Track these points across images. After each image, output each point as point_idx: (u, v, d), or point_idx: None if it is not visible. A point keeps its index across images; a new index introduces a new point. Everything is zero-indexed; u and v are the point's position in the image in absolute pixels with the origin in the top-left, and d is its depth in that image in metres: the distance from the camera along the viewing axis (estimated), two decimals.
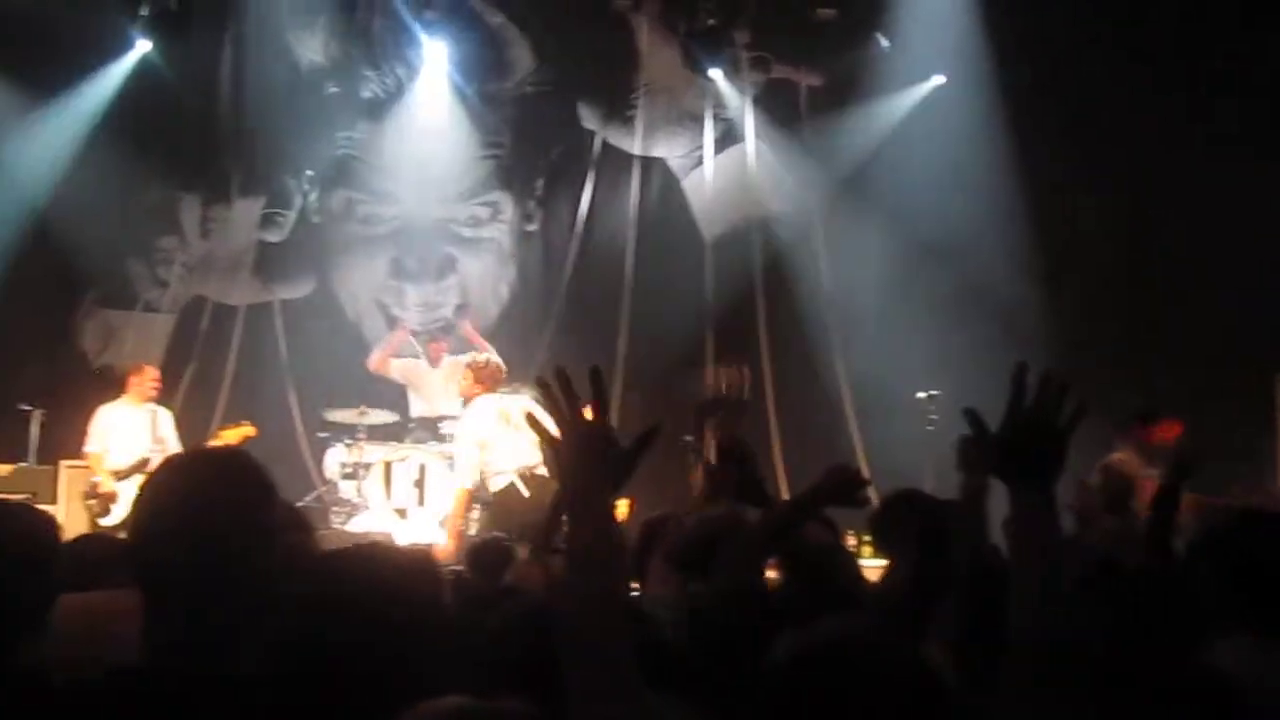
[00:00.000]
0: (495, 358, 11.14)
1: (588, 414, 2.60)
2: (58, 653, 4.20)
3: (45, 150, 13.46)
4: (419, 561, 4.23)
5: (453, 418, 12.53)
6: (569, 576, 2.51)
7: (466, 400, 10.64)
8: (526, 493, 9.97)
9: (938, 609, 3.93)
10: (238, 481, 2.32)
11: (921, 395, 11.49)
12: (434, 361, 13.19)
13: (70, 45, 13.47)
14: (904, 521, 4.60)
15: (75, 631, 4.10)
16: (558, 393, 2.60)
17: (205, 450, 2.49)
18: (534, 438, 2.60)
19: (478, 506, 10.72)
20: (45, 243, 13.46)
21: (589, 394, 2.63)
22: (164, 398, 12.53)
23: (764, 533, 4.08)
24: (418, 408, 13.05)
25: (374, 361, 13.25)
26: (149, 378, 11.75)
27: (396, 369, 13.24)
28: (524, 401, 10.19)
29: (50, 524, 4.03)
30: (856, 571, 4.87)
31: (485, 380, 10.49)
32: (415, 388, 13.16)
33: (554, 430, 2.60)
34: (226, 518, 2.26)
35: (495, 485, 10.20)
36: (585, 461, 2.57)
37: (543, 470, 9.89)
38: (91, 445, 11.31)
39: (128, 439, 11.14)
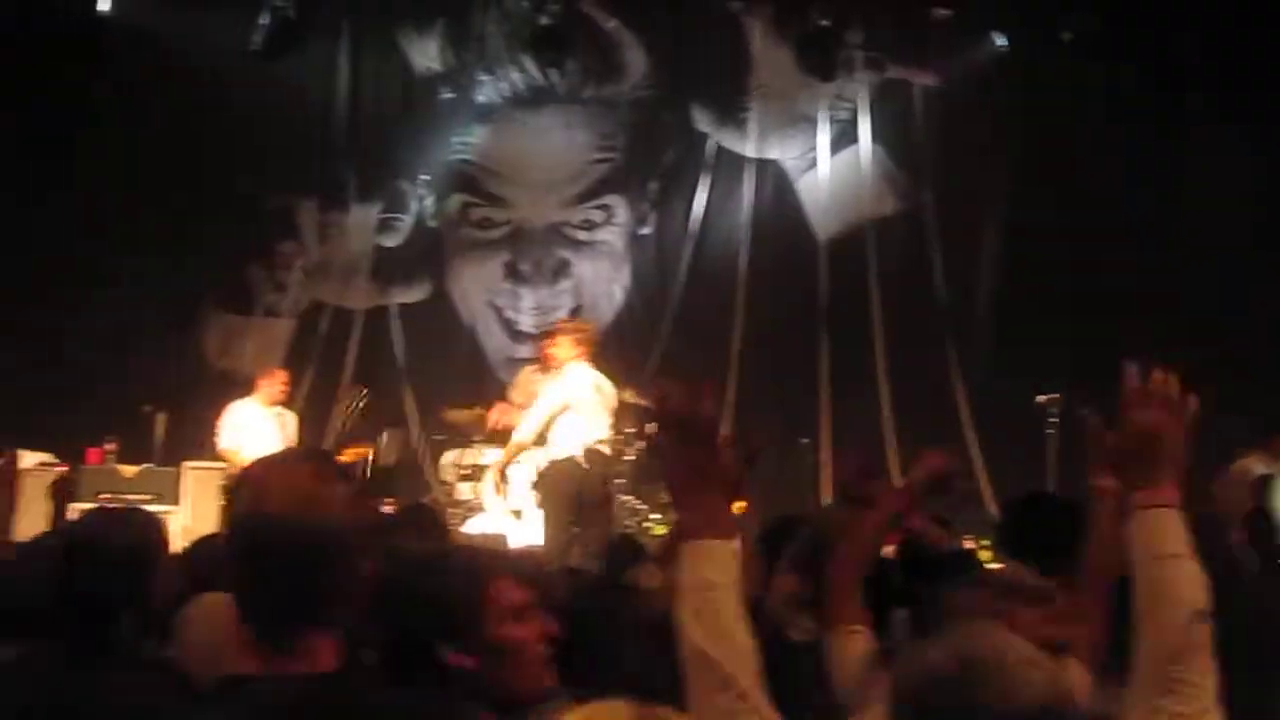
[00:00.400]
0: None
1: (704, 425, 2.60)
2: (182, 653, 4.28)
3: (169, 155, 13.72)
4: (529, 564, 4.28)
5: None
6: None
7: (560, 365, 10.11)
8: (586, 465, 9.80)
9: None
10: (328, 480, 2.31)
11: (1041, 398, 11.31)
12: (546, 364, 13.19)
13: (195, 57, 13.74)
14: (1034, 526, 4.55)
15: (199, 631, 4.17)
16: (675, 405, 2.61)
17: (293, 450, 2.48)
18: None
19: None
20: (168, 248, 13.74)
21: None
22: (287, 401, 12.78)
23: (870, 533, 4.06)
24: None
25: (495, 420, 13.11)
26: (279, 381, 11.98)
27: (518, 396, 13.22)
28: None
29: (157, 526, 4.10)
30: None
31: (585, 344, 10.05)
32: (530, 398, 13.14)
33: (668, 439, 2.61)
34: (316, 516, 2.25)
35: (556, 454, 9.87)
36: (699, 474, 2.58)
37: (604, 447, 9.81)
38: (225, 441, 11.51)
39: (259, 437, 11.28)
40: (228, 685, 2.26)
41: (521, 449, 10.23)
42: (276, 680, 2.21)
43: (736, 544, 2.58)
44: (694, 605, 2.49)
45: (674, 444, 2.61)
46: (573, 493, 9.51)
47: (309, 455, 2.39)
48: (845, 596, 3.89)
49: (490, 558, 2.92)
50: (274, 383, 11.96)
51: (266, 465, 2.33)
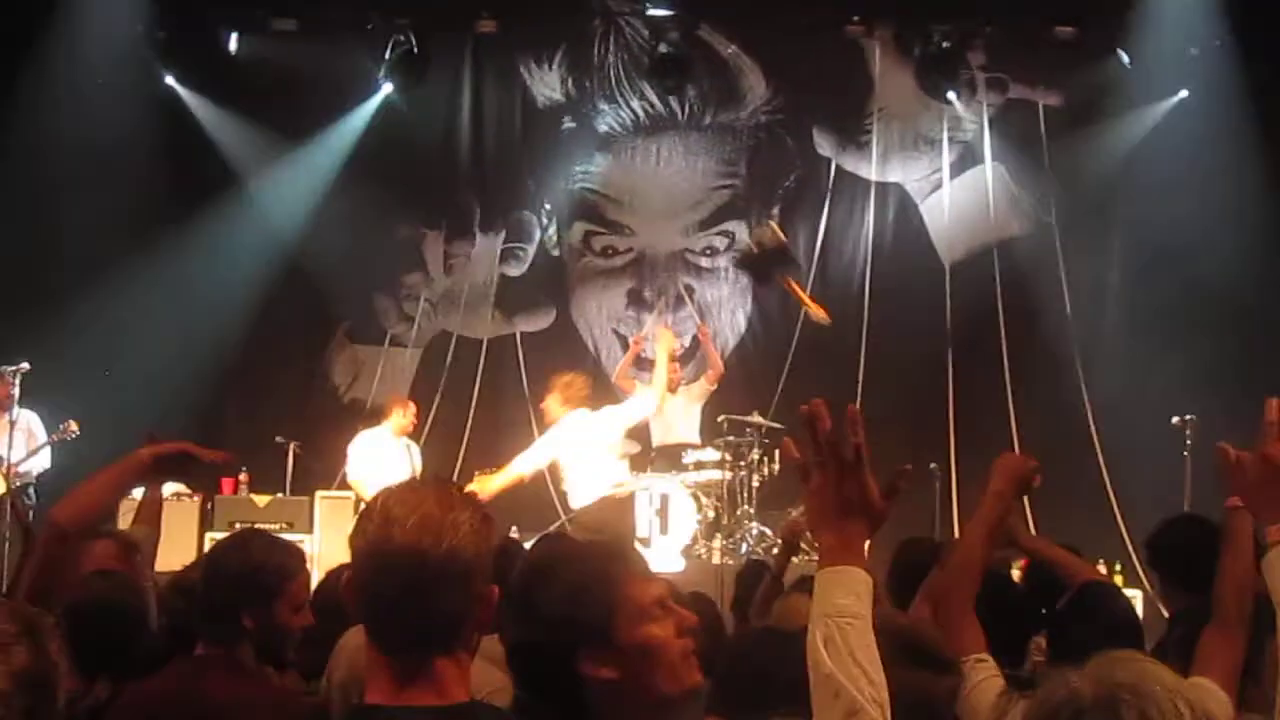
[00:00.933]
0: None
1: (843, 452, 2.60)
2: (333, 682, 4.34)
3: (297, 191, 14.00)
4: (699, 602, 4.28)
5: (694, 445, 12.63)
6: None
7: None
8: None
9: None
10: (452, 507, 2.32)
11: (1176, 420, 11.09)
12: (671, 387, 13.26)
13: (320, 89, 13.98)
14: (1184, 549, 4.51)
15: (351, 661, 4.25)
16: (816, 432, 2.61)
17: (418, 478, 2.46)
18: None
19: None
20: (297, 280, 13.99)
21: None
22: (412, 433, 12.94)
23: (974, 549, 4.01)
24: (658, 435, 13.14)
25: (617, 374, 13.38)
26: (409, 411, 12.14)
27: (639, 399, 13.33)
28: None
29: (297, 554, 4.18)
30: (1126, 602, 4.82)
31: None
32: (656, 417, 13.24)
33: (810, 467, 2.62)
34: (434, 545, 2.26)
35: (575, 501, 10.28)
36: (845, 501, 2.58)
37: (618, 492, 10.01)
38: (353, 472, 11.66)
39: (387, 467, 11.41)
40: (357, 715, 2.29)
41: (518, 481, 10.31)
42: (404, 713, 2.23)
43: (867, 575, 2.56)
44: (825, 632, 2.48)
45: (822, 468, 2.60)
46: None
47: (433, 482, 2.38)
48: (960, 621, 3.79)
49: (619, 558, 2.89)
50: (405, 412, 12.13)
51: (391, 494, 2.34)
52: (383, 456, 11.69)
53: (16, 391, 11.22)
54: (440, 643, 2.26)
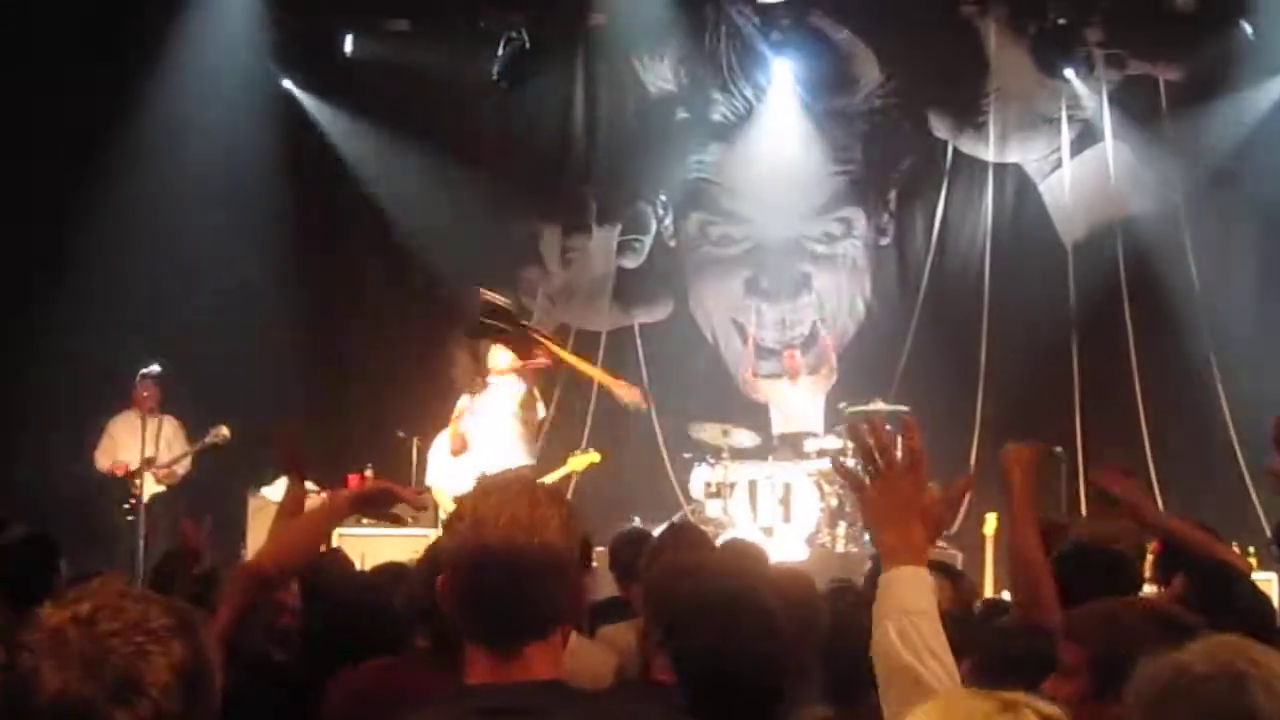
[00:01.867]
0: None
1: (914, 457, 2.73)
2: None
3: (414, 187, 14.14)
4: (799, 580, 4.29)
5: (813, 434, 12.60)
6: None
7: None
8: None
9: None
10: (541, 504, 2.37)
11: None
12: (792, 375, 13.25)
13: (435, 88, 14.12)
14: None
15: None
16: (871, 441, 2.75)
17: (507, 477, 2.56)
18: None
19: None
20: (416, 276, 14.14)
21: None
22: None
23: None
24: (779, 424, 13.14)
25: (744, 380, 13.41)
26: None
27: (762, 389, 13.37)
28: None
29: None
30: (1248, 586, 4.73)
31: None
32: (777, 405, 13.24)
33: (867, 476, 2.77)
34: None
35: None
36: (903, 505, 2.71)
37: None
38: (433, 477, 11.76)
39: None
40: (455, 693, 2.38)
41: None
42: (497, 687, 2.32)
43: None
44: (898, 628, 2.61)
45: (875, 475, 2.75)
46: None
47: (520, 482, 2.46)
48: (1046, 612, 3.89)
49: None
50: None
51: (481, 495, 2.40)
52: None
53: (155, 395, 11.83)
54: (536, 631, 2.35)
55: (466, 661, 2.37)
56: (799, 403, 13.10)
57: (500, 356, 10.50)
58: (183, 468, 12.09)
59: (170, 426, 12.20)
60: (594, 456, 11.93)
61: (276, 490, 11.08)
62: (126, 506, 11.42)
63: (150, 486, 11.70)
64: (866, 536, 11.84)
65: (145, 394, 11.91)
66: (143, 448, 11.42)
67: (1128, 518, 5.03)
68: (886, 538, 2.73)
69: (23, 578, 4.62)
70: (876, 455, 2.75)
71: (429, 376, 14.47)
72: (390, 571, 4.89)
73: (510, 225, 14.78)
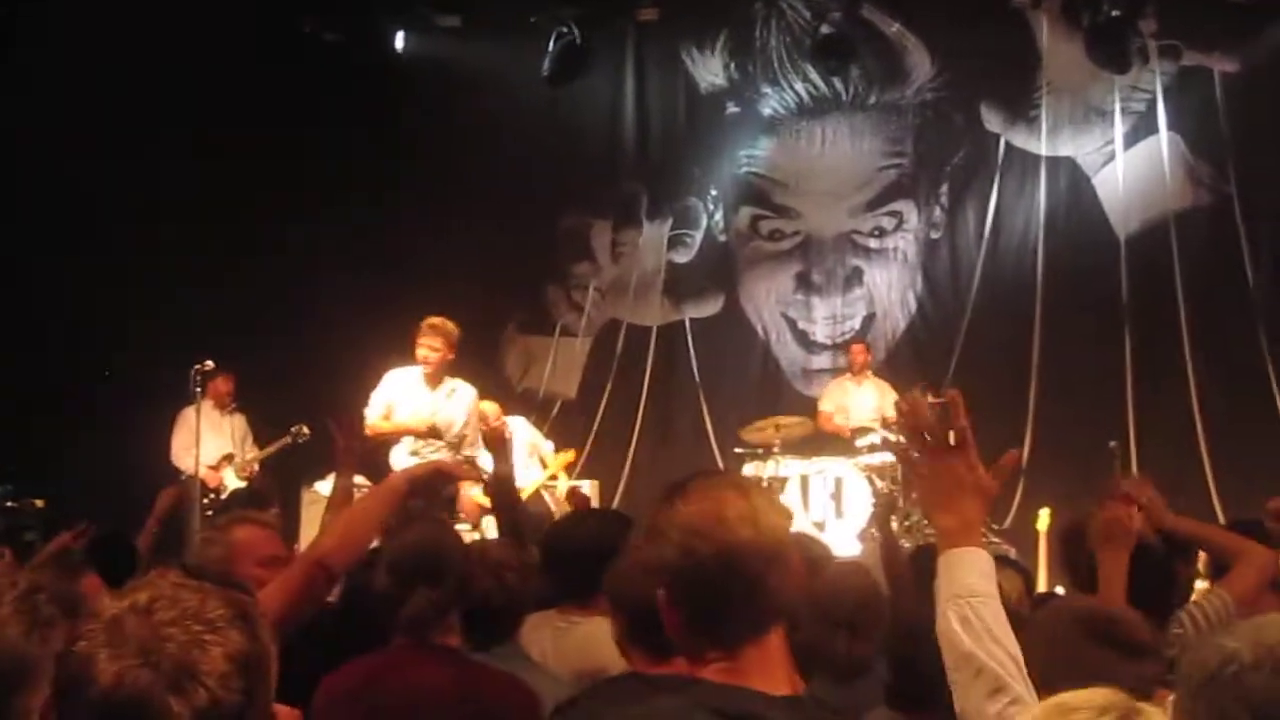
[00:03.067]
0: None
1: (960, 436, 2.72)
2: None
3: (465, 182, 14.23)
4: (864, 576, 4.32)
5: (869, 429, 12.58)
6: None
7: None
8: None
9: None
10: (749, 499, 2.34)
11: None
12: (856, 370, 13.19)
13: (486, 84, 14.19)
14: None
15: None
16: (925, 418, 2.75)
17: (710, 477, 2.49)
18: None
19: None
20: (467, 273, 14.20)
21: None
22: (584, 420, 13.15)
23: None
24: (840, 423, 13.11)
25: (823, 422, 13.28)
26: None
27: (828, 405, 13.30)
28: None
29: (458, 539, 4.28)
30: None
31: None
32: (841, 410, 13.18)
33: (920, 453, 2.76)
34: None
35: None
36: (958, 485, 2.69)
37: None
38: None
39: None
40: (678, 682, 2.35)
41: None
42: (724, 688, 2.26)
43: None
44: (959, 613, 2.58)
45: (930, 455, 2.73)
46: None
47: (730, 478, 2.43)
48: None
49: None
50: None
51: (687, 495, 2.36)
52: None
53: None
54: (759, 629, 2.29)
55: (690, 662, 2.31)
56: (863, 401, 13.05)
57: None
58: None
59: (242, 422, 12.22)
60: (568, 455, 12.15)
61: (328, 485, 11.14)
62: (206, 501, 11.08)
63: (231, 482, 11.63)
64: (920, 530, 11.85)
65: (224, 388, 11.90)
66: (194, 446, 10.99)
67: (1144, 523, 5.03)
68: (942, 519, 2.70)
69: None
70: (924, 434, 2.73)
71: (481, 373, 14.56)
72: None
73: (561, 220, 14.82)
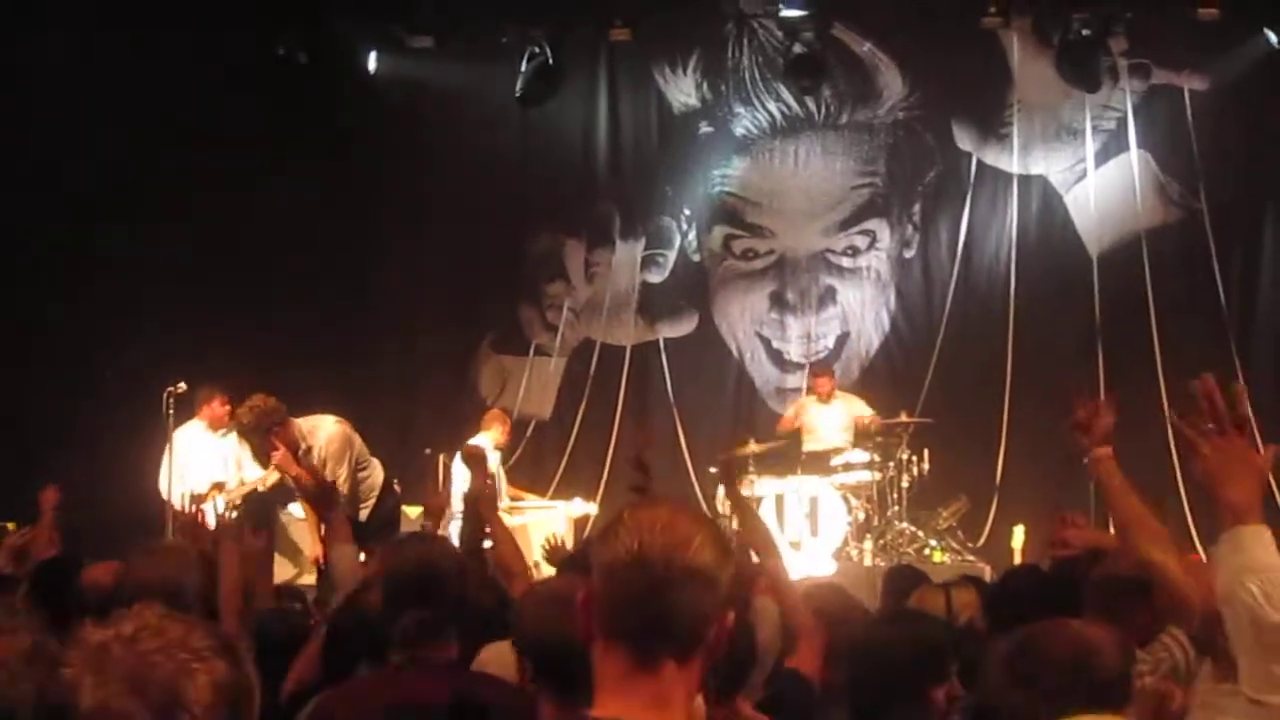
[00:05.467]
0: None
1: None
2: None
3: (439, 203, 14.23)
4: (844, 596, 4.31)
5: (841, 449, 12.60)
6: None
7: None
8: None
9: None
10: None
11: None
12: (824, 397, 13.21)
13: (458, 104, 14.20)
14: None
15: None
16: (1212, 406, 2.91)
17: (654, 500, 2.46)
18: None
19: None
20: (442, 291, 14.19)
21: None
22: (558, 440, 13.17)
23: None
24: (808, 444, 13.11)
25: (783, 426, 13.38)
26: (507, 429, 12.88)
27: (791, 417, 13.35)
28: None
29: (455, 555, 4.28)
30: None
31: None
32: (808, 428, 13.20)
33: None
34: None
35: None
36: (1242, 462, 2.86)
37: None
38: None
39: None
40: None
41: None
42: None
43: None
44: (1262, 588, 2.73)
45: (1219, 436, 2.89)
46: None
47: (672, 501, 2.40)
48: None
49: None
50: (505, 429, 12.79)
51: (633, 511, 2.35)
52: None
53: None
54: (677, 648, 2.23)
55: (597, 677, 2.27)
56: (830, 422, 13.08)
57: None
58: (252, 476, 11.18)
59: (235, 444, 11.21)
60: (592, 509, 12.29)
61: (299, 508, 11.06)
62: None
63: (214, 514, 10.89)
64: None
65: (219, 410, 11.15)
66: (173, 472, 10.84)
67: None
68: (1231, 494, 2.84)
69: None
70: (1219, 416, 2.88)
71: (455, 392, 14.56)
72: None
73: (535, 239, 14.81)
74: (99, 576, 4.87)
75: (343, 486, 8.69)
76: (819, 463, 12.70)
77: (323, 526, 6.77)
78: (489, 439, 12.54)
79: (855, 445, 12.75)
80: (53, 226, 12.48)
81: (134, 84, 12.26)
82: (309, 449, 9.14)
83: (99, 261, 12.60)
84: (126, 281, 12.61)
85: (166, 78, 12.53)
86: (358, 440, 9.44)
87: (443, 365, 14.69)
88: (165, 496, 10.69)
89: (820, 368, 13.61)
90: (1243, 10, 13.47)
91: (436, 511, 6.76)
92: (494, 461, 12.30)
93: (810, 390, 13.45)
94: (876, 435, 12.64)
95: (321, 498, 5.84)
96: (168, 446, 10.98)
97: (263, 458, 9.43)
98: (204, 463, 11.07)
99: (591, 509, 12.78)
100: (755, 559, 5.03)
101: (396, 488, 10.19)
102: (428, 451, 12.68)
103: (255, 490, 10.87)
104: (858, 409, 13.06)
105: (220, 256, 13.05)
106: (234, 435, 10.85)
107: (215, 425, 11.26)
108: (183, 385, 10.88)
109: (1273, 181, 13.57)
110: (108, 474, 11.60)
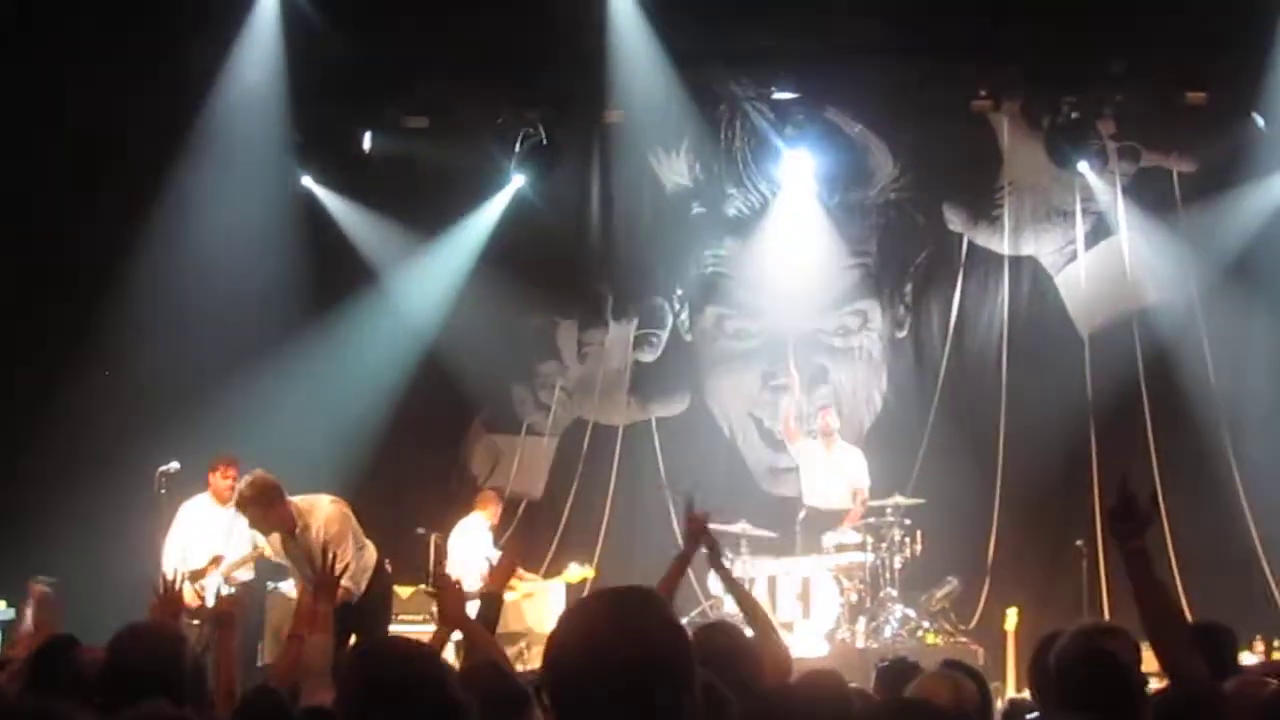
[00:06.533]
0: None
1: None
2: None
3: (433, 284, 14.24)
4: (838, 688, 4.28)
5: (839, 510, 12.64)
6: None
7: None
8: None
9: None
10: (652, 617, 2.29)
11: None
12: (827, 440, 13.22)
13: (452, 185, 14.25)
14: None
15: None
16: None
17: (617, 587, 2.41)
18: None
19: None
20: (434, 372, 14.17)
21: None
22: (550, 520, 13.15)
23: None
24: (809, 494, 13.18)
25: (783, 430, 13.47)
26: (500, 509, 12.95)
27: (797, 449, 13.35)
28: None
29: (431, 655, 4.21)
30: None
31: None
32: (808, 469, 13.24)
33: None
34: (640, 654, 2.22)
35: None
36: None
37: None
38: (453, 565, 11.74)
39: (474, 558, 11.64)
40: None
41: None
42: None
43: None
44: None
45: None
46: None
47: (615, 591, 2.35)
48: None
49: None
50: (498, 510, 12.87)
51: (579, 604, 2.33)
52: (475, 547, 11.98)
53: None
54: None
55: None
56: (831, 471, 13.07)
57: None
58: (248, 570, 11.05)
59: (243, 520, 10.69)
60: (589, 572, 12.22)
61: (289, 585, 11.01)
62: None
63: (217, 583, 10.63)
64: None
65: (221, 481, 10.88)
66: (167, 550, 10.78)
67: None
68: None
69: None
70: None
71: (447, 472, 14.53)
72: None
73: (527, 320, 14.82)
74: (95, 657, 4.81)
75: (351, 565, 8.68)
76: (816, 531, 12.69)
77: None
78: (484, 519, 12.56)
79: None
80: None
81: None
82: (305, 527, 9.10)
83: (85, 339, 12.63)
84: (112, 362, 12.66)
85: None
86: (353, 520, 9.40)
87: (434, 444, 14.66)
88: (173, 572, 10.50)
89: (821, 402, 13.61)
90: (1229, 94, 13.60)
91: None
92: (487, 542, 12.30)
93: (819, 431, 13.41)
94: (869, 516, 12.63)
95: (324, 587, 5.68)
96: (173, 522, 10.94)
97: (261, 527, 9.36)
98: (205, 536, 10.88)
99: (588, 571, 12.70)
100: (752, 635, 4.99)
101: (388, 567, 10.09)
102: (419, 531, 12.67)
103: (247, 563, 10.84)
104: (854, 470, 13.06)
105: (196, 339, 13.09)
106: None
107: (218, 497, 11.04)
108: (175, 464, 10.82)
109: (1261, 263, 13.61)
110: (105, 556, 11.56)
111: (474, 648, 5.34)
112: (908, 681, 5.52)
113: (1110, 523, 3.90)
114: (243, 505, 9.24)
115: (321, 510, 9.22)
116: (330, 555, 5.92)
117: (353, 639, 8.18)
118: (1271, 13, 12.78)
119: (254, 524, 9.43)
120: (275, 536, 9.29)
